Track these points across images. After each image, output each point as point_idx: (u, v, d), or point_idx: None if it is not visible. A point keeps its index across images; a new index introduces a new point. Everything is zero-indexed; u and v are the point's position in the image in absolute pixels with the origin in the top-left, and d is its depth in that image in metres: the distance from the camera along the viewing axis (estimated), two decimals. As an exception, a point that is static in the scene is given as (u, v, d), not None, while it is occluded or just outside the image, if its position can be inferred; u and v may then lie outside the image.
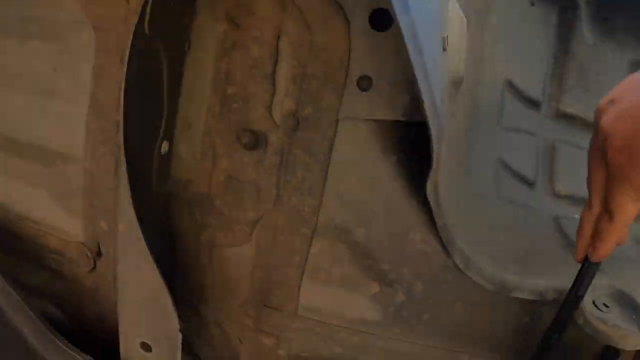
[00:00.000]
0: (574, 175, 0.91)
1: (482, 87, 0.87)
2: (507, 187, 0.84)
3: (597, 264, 0.61)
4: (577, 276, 0.62)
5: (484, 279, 0.64)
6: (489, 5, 0.89)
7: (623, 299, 0.65)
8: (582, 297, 0.62)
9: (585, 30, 0.98)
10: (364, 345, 0.73)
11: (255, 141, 0.66)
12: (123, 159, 0.59)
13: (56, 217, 0.84)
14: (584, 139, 0.96)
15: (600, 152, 0.51)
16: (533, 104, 0.93)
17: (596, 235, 0.57)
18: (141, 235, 0.62)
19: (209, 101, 0.68)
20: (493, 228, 0.74)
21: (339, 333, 0.72)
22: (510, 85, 0.90)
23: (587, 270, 0.61)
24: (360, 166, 0.65)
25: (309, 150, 0.65)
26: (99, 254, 0.84)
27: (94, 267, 0.86)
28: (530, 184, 0.88)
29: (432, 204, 0.60)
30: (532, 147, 0.90)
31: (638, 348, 0.63)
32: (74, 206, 0.81)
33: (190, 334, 0.86)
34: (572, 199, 0.88)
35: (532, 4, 0.98)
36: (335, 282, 0.70)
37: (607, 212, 0.54)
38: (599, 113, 0.53)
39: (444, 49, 0.58)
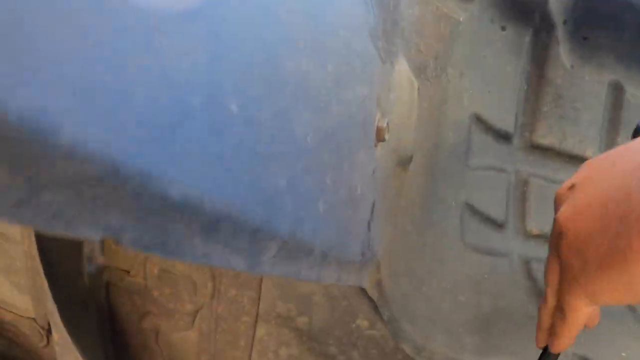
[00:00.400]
0: (547, 212, 0.88)
1: (445, 128, 0.82)
2: (473, 233, 0.81)
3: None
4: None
5: None
6: (453, 39, 0.83)
7: None
8: None
9: (563, 52, 0.90)
10: None
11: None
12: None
13: (7, 293, 0.82)
14: (560, 172, 0.92)
15: (556, 245, 0.46)
16: (504, 136, 0.86)
17: (552, 330, 0.51)
18: (73, 347, 0.60)
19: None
20: (453, 289, 0.73)
21: None
22: (478, 119, 0.83)
23: (547, 357, 0.60)
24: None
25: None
26: (50, 331, 0.82)
27: (48, 343, 0.84)
28: (499, 225, 0.85)
29: (375, 300, 0.58)
30: (503, 184, 0.85)
31: None
32: (22, 283, 0.79)
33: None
34: (545, 237, 0.86)
35: (503, 29, 0.90)
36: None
37: (560, 310, 0.48)
38: (558, 199, 0.47)
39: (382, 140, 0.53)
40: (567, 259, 0.42)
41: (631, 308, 0.93)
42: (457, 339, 0.65)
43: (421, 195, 0.74)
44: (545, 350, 0.60)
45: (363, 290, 0.61)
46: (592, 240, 0.38)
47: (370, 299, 0.61)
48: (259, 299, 0.64)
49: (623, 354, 0.75)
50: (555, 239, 0.45)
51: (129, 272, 0.69)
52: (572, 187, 0.44)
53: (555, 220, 0.45)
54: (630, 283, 0.35)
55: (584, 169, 0.45)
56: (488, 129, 0.88)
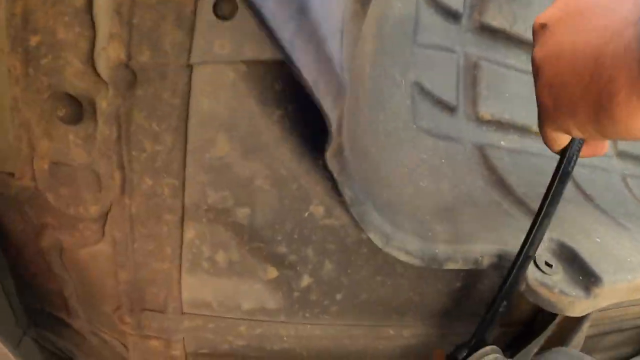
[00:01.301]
0: (499, 97, 0.79)
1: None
2: (425, 116, 0.71)
3: (549, 219, 0.50)
4: (528, 234, 0.52)
5: (410, 255, 0.52)
6: None
7: (566, 254, 0.56)
8: (532, 257, 0.52)
9: None
10: (270, 335, 0.60)
11: (78, 110, 0.48)
12: None
13: None
14: (509, 57, 0.84)
15: (534, 81, 0.44)
16: (453, 15, 0.79)
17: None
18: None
19: (8, 60, 0.48)
20: (413, 175, 0.62)
21: (238, 327, 0.59)
22: (427, -7, 0.75)
23: (539, 226, 0.50)
24: (231, 127, 0.48)
25: (155, 114, 0.47)
26: None
27: None
28: (451, 109, 0.75)
29: (335, 175, 0.45)
30: (452, 65, 0.76)
31: (585, 313, 0.54)
32: None
33: (69, 348, 0.71)
34: (498, 124, 0.77)
35: None
36: (223, 271, 0.56)
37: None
38: (534, 34, 0.45)
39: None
40: (541, 96, 0.43)
41: (588, 197, 0.87)
42: (428, 228, 0.54)
43: (371, 66, 0.62)
44: (535, 222, 0.52)
45: (316, 170, 0.48)
46: (565, 89, 0.39)
47: (326, 179, 0.49)
48: (184, 188, 0.50)
49: (597, 239, 0.67)
50: (534, 75, 0.44)
51: (13, 174, 0.53)
52: (544, 26, 0.43)
53: (533, 56, 0.44)
54: (600, 127, 0.37)
55: (557, 6, 0.43)
56: (437, 6, 0.77)
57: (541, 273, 0.56)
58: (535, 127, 0.85)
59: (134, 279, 0.57)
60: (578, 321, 0.73)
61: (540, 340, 0.72)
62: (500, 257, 0.57)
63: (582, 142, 0.49)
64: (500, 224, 0.62)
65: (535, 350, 0.73)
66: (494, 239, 0.58)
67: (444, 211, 0.60)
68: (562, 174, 0.50)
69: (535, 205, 0.58)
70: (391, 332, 0.63)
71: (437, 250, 0.54)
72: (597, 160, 0.97)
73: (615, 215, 0.83)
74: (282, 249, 0.53)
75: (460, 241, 0.56)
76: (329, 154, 0.43)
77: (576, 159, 0.51)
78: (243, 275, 0.56)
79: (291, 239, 0.52)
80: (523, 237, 0.53)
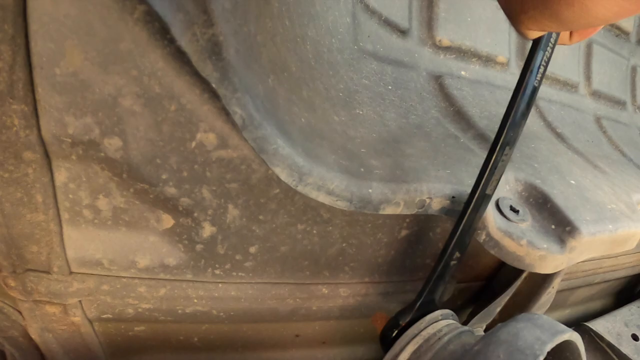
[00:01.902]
0: (460, 22, 0.68)
1: None
2: (370, 37, 0.60)
3: (512, 147, 0.41)
4: (484, 166, 0.42)
5: (333, 196, 0.42)
6: None
7: (535, 198, 0.46)
8: (489, 196, 0.43)
9: None
10: (177, 297, 0.51)
11: None
12: None
13: None
14: None
15: None
16: None
17: None
18: None
19: None
20: (348, 99, 0.51)
21: (136, 288, 0.50)
22: None
23: (499, 155, 0.41)
24: (82, 31, 0.37)
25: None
26: None
27: None
28: (402, 31, 0.64)
29: (213, 84, 0.35)
30: None
31: (558, 270, 0.45)
32: None
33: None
34: (458, 51, 0.66)
35: None
36: (109, 221, 0.46)
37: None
38: None
39: None
40: (499, 3, 0.37)
41: (559, 136, 0.77)
42: (360, 163, 0.44)
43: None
44: (493, 149, 0.42)
45: (201, 80, 0.38)
46: None
47: (215, 97, 0.38)
48: (37, 115, 0.39)
49: (572, 182, 0.57)
50: None
51: None
52: None
53: None
54: (555, 16, 0.33)
55: None
56: None
57: (505, 220, 0.47)
58: (500, 57, 0.74)
59: (9, 234, 0.47)
60: (548, 277, 0.64)
61: (503, 300, 0.63)
62: (454, 199, 0.47)
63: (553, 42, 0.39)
64: (457, 160, 0.52)
65: (497, 310, 0.64)
66: (447, 177, 0.48)
67: (384, 143, 0.50)
68: (526, 87, 0.40)
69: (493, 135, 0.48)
70: (324, 290, 0.53)
71: (370, 190, 0.43)
72: (568, 99, 0.87)
73: (591, 157, 0.73)
74: (172, 191, 0.42)
75: (402, 179, 0.46)
76: (193, 48, 0.32)
77: (543, 72, 0.41)
78: (133, 225, 0.46)
79: (180, 177, 0.42)
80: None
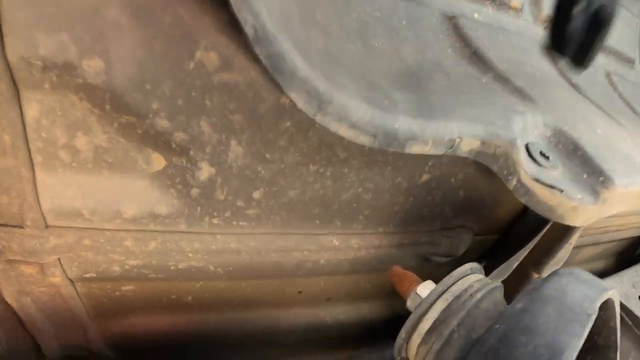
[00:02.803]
0: None
1: None
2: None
3: None
4: None
5: (357, 130, 0.36)
6: None
7: (565, 144, 0.40)
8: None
9: None
10: (168, 250, 0.45)
11: None
12: None
13: None
14: None
15: None
16: None
17: None
18: None
19: None
20: (362, 30, 0.45)
21: (122, 241, 0.44)
22: None
23: None
24: None
25: None
26: None
27: None
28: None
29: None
30: None
31: (589, 223, 0.40)
32: None
33: None
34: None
35: None
36: (89, 164, 0.39)
37: None
38: None
39: None
40: None
41: (575, 86, 0.73)
42: (383, 94, 0.38)
43: None
44: None
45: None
46: None
47: (218, 6, 0.32)
48: (1, 32, 0.32)
49: (598, 131, 0.53)
50: None
51: None
52: None
53: None
54: None
55: None
56: None
57: (537, 166, 0.41)
58: (515, 1, 0.68)
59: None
60: (567, 231, 0.59)
61: (522, 254, 0.58)
62: (485, 141, 0.41)
63: None
64: (483, 100, 0.46)
65: (515, 265, 0.60)
66: (476, 116, 0.42)
67: (405, 77, 0.44)
68: None
69: (522, 83, 0.43)
70: (335, 242, 0.48)
71: (396, 125, 0.38)
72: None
73: (608, 110, 0.68)
74: (164, 123, 0.36)
75: (430, 115, 0.40)
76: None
77: None
78: (118, 167, 0.39)
79: (174, 106, 0.35)
80: (514, 118, 0.38)
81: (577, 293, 0.35)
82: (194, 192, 0.41)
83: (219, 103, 0.35)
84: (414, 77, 0.45)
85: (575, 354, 0.32)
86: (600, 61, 0.92)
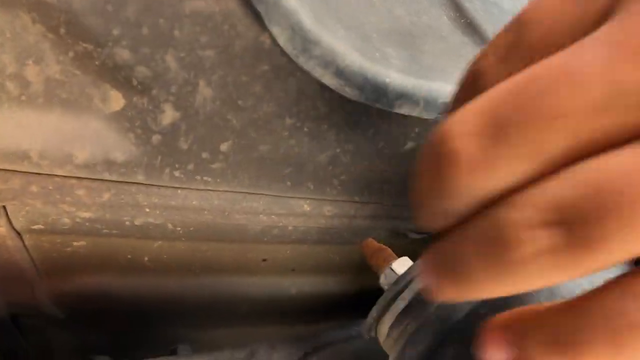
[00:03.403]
0: None
1: None
2: None
3: None
4: None
5: (344, 80, 0.33)
6: None
7: None
8: None
9: None
10: (123, 204, 0.41)
11: None
12: None
13: None
14: None
15: None
16: None
17: None
18: None
19: None
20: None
21: (74, 190, 0.40)
22: None
23: None
24: None
25: None
26: None
27: None
28: None
29: None
30: None
31: None
32: None
33: None
34: None
35: None
36: (40, 98, 0.35)
37: None
38: None
39: None
40: None
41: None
42: (374, 47, 0.35)
43: None
44: None
45: None
46: None
47: None
48: None
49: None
50: None
51: None
52: None
53: None
54: None
55: None
56: None
57: None
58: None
59: None
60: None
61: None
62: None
63: None
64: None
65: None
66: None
67: (398, 35, 0.41)
68: None
69: None
70: (306, 207, 0.45)
71: (387, 80, 0.35)
72: None
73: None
74: (124, 54, 0.32)
75: (424, 75, 0.38)
76: None
77: None
78: (72, 105, 0.35)
79: (137, 35, 0.32)
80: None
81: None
82: (155, 138, 0.37)
83: (189, 35, 0.32)
84: (408, 37, 0.42)
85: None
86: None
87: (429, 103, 0.37)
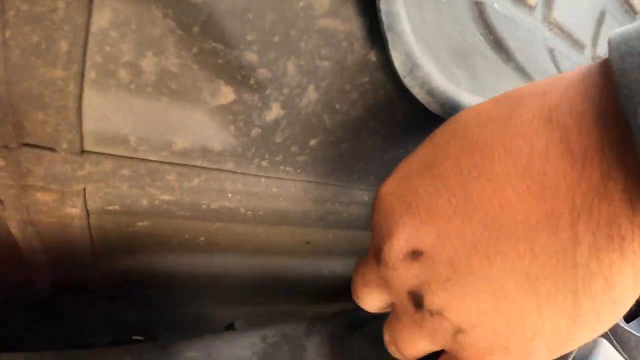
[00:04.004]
0: None
1: None
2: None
3: None
4: None
5: (433, 97, 0.37)
6: None
7: None
8: None
9: None
10: (210, 189, 0.44)
11: None
12: None
13: None
14: None
15: None
16: None
17: None
18: None
19: None
20: (452, 12, 0.46)
21: (165, 175, 0.42)
22: None
23: None
24: None
25: None
26: None
27: None
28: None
29: None
30: None
31: None
32: None
33: None
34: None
35: None
36: (149, 87, 0.37)
37: None
38: None
39: None
40: None
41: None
42: (447, 69, 0.40)
43: None
44: None
45: None
46: None
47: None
48: None
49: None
50: None
51: None
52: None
53: None
54: None
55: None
56: None
57: None
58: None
59: (7, 93, 0.36)
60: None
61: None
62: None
63: None
64: (515, 87, 0.49)
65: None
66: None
67: (455, 54, 0.45)
68: None
69: (538, 77, 0.46)
70: (365, 197, 0.49)
71: (461, 99, 0.39)
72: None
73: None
74: (252, 58, 0.35)
75: (484, 95, 0.42)
76: None
77: None
78: (180, 96, 0.38)
79: (268, 42, 0.34)
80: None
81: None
82: (255, 132, 0.40)
83: (313, 47, 0.35)
84: (462, 55, 0.46)
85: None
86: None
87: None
